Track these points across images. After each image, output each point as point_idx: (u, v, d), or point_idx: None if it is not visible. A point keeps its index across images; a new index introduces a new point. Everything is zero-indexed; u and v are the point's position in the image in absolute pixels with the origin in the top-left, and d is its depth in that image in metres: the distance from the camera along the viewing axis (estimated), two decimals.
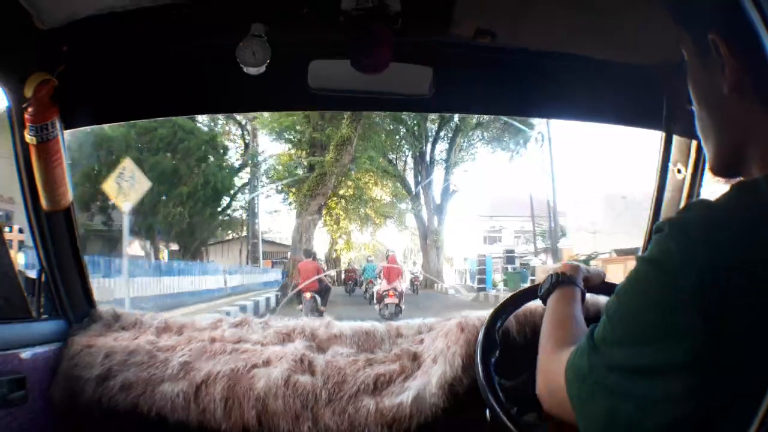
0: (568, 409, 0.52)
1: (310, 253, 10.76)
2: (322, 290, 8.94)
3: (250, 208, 18.64)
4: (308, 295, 8.49)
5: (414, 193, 19.84)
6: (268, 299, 12.04)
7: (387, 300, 8.87)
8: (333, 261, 22.29)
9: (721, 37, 0.48)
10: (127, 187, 7.80)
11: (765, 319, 0.40)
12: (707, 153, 0.55)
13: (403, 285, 9.49)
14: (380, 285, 9.63)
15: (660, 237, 0.45)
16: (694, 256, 0.42)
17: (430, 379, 1.10)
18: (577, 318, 0.74)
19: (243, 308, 9.51)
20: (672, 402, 0.43)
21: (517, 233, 25.24)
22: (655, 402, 0.44)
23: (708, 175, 1.16)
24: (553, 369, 0.59)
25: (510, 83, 1.23)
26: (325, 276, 9.55)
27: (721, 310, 0.41)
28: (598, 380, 0.48)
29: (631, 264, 0.49)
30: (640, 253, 0.87)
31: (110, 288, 8.86)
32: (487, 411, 0.92)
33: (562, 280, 0.83)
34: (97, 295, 1.38)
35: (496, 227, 26.03)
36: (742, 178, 0.50)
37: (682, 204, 1.20)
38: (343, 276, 18.32)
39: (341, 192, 18.12)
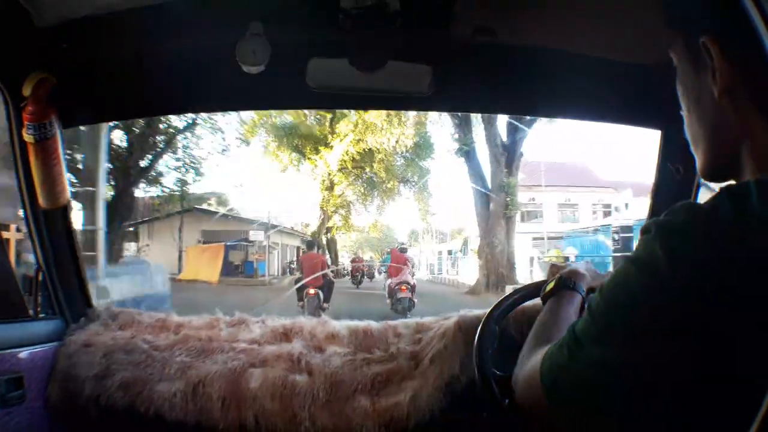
0: (539, 399, 0.52)
1: (312, 245, 9.96)
2: (326, 286, 8.42)
3: None
4: (312, 291, 7.95)
5: (460, 117, 11.41)
6: None
7: (400, 294, 8.61)
8: (326, 245, 16.32)
9: (713, 40, 0.48)
10: None
11: (749, 323, 0.40)
12: (697, 158, 0.55)
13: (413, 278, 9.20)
14: (392, 279, 9.39)
15: (646, 239, 0.45)
16: (678, 260, 0.42)
17: (427, 379, 1.10)
18: (570, 321, 0.74)
19: None
20: (651, 403, 0.43)
21: (595, 207, 18.95)
22: (633, 402, 0.44)
23: None
24: (532, 359, 0.60)
25: (509, 82, 1.23)
26: (330, 270, 9.08)
27: (704, 314, 0.40)
28: (575, 373, 0.48)
29: None
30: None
31: None
32: (485, 412, 0.92)
33: (565, 285, 0.83)
34: None
35: (571, 200, 19.26)
36: (732, 182, 0.50)
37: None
38: (348, 267, 15.69)
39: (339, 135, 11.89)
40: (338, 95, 1.23)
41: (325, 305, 8.16)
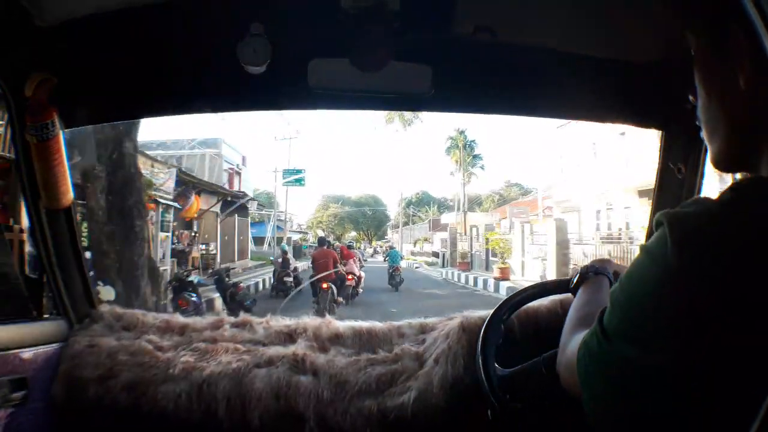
0: (577, 385, 0.53)
1: (324, 241, 10.88)
2: (339, 280, 9.38)
3: None
4: (325, 285, 8.64)
5: None
6: None
7: (346, 282, 9.88)
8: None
9: (740, 30, 0.46)
10: None
11: (760, 316, 0.39)
12: (711, 146, 0.53)
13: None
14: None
15: (660, 231, 0.45)
16: (690, 253, 0.42)
17: (431, 380, 1.10)
18: (601, 303, 0.75)
19: None
20: (668, 393, 0.43)
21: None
22: (651, 389, 0.44)
23: (708, 174, 1.16)
24: (570, 346, 0.62)
25: (509, 82, 1.23)
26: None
27: (714, 307, 0.40)
28: (602, 361, 0.49)
29: None
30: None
31: None
32: (489, 411, 0.92)
33: (591, 271, 0.89)
34: None
35: None
36: (747, 174, 0.50)
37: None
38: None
39: None
40: (339, 96, 1.23)
41: (339, 299, 9.03)
